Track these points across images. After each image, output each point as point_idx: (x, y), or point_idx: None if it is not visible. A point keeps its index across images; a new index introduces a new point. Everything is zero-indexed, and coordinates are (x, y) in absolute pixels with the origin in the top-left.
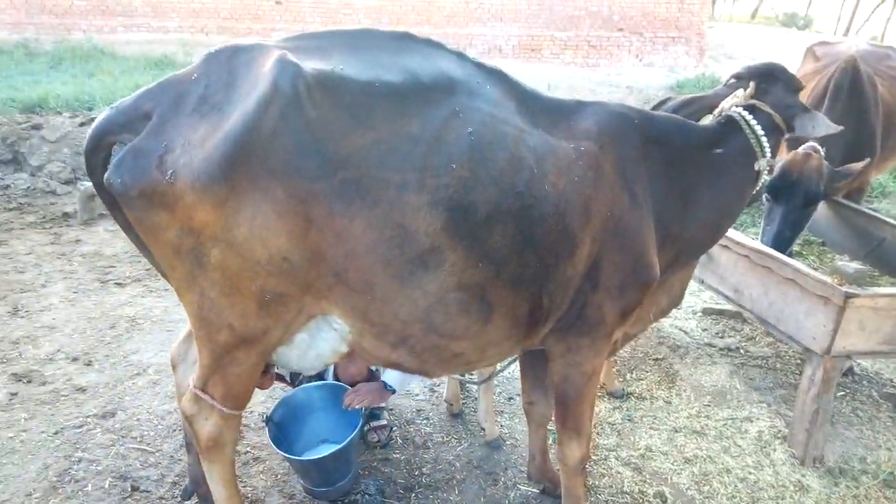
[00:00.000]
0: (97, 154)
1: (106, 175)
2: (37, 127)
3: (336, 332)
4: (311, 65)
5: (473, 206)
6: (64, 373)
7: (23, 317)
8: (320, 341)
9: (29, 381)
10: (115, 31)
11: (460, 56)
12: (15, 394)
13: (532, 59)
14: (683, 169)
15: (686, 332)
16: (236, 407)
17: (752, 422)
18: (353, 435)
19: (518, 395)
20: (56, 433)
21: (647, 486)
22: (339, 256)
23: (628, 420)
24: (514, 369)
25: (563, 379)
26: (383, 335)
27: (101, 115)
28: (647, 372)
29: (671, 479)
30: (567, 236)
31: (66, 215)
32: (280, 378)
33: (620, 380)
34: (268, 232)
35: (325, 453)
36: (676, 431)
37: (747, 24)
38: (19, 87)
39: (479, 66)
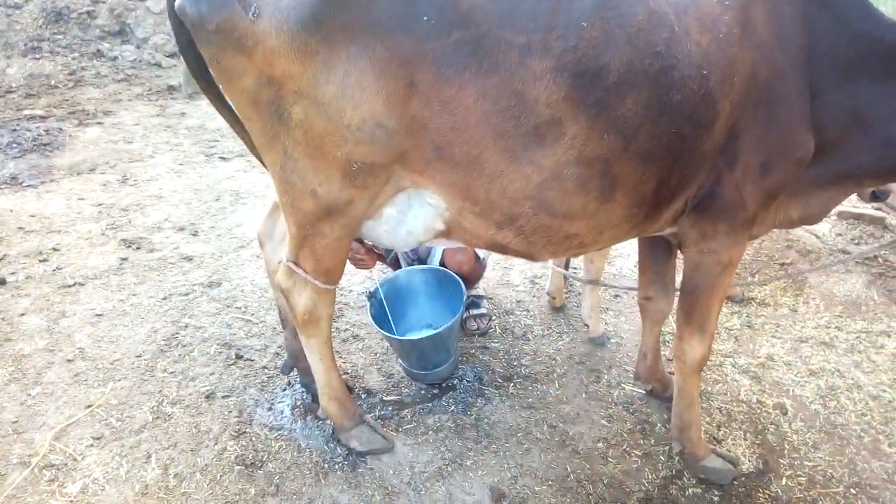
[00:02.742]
0: None
1: (179, 1)
2: None
3: (431, 208)
4: None
5: (604, 70)
6: (171, 241)
7: (132, 185)
8: (411, 217)
9: (138, 248)
10: None
11: None
12: (125, 259)
13: None
14: (858, 67)
15: (818, 237)
16: (329, 281)
17: (889, 336)
18: (452, 321)
19: (624, 293)
20: (164, 299)
21: (765, 396)
22: (443, 128)
23: (748, 326)
24: (622, 266)
25: (694, 268)
26: (487, 214)
27: None
28: (770, 276)
29: (793, 390)
30: (708, 103)
31: (171, 88)
32: (380, 257)
33: (741, 283)
34: (362, 93)
35: (424, 335)
36: (802, 341)
37: None
38: None
39: None
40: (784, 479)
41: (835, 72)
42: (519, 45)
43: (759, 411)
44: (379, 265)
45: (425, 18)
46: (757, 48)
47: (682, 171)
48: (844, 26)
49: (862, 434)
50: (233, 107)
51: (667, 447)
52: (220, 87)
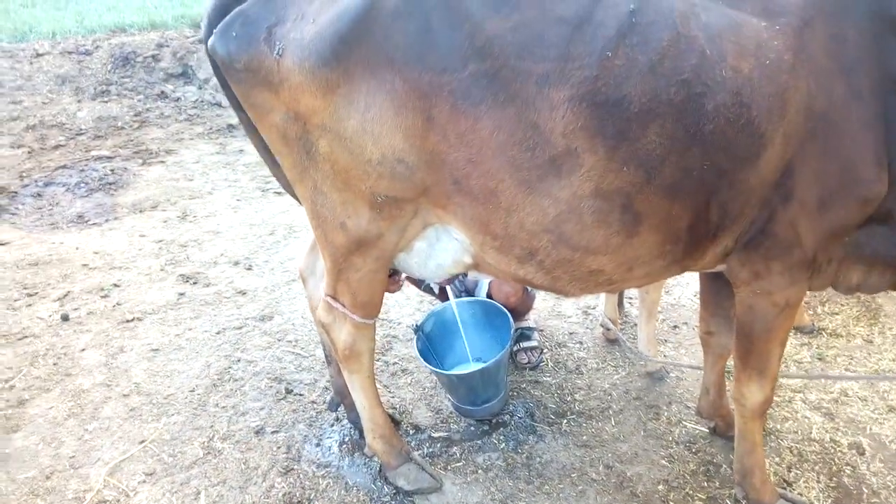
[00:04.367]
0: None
1: (210, 41)
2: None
3: (458, 243)
4: None
5: (623, 99)
6: (226, 276)
7: (191, 221)
8: (440, 251)
9: (195, 283)
10: None
11: None
12: (182, 294)
13: None
14: None
15: None
16: (367, 315)
17: None
18: (500, 354)
19: (684, 323)
20: (218, 333)
21: (840, 434)
22: (460, 161)
23: (818, 359)
24: (680, 295)
25: (747, 309)
26: (507, 248)
27: None
28: (843, 305)
29: (870, 428)
30: (749, 134)
31: (230, 126)
32: (416, 283)
33: (810, 313)
34: (382, 128)
35: (472, 369)
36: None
37: None
38: (188, 4)
39: None
40: None
41: None
42: (537, 75)
43: (833, 451)
44: (426, 297)
45: (441, 51)
46: (813, 76)
47: (725, 206)
48: None
49: None
50: (266, 142)
51: (732, 491)
52: (254, 123)
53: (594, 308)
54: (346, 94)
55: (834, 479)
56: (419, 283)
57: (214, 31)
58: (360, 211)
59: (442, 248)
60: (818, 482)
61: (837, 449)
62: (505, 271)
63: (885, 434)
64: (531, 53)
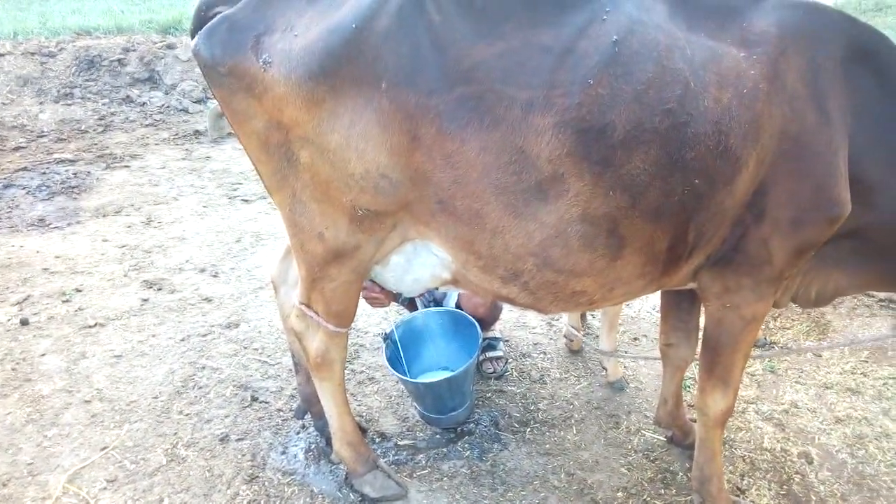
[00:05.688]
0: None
1: (195, 42)
2: (171, 47)
3: (437, 259)
4: None
5: (609, 127)
6: (192, 282)
7: (155, 227)
8: (418, 266)
9: (159, 289)
10: None
11: None
12: (146, 300)
13: None
14: None
15: None
16: (340, 324)
17: None
18: (468, 363)
19: (643, 335)
20: (182, 340)
21: (790, 444)
22: (445, 182)
23: (770, 371)
24: (640, 308)
25: (716, 322)
26: (491, 269)
27: None
28: (793, 321)
29: (819, 438)
30: (727, 159)
31: (197, 133)
32: (395, 297)
33: (763, 328)
34: (367, 144)
35: (439, 378)
36: (827, 388)
37: None
38: (156, 9)
39: None
40: None
41: (875, 132)
42: (522, 101)
43: (783, 460)
44: (395, 306)
45: (429, 74)
46: (787, 102)
47: (701, 227)
48: (886, 73)
49: (892, 485)
50: (244, 148)
51: (689, 498)
52: (234, 127)
53: (558, 319)
54: (331, 108)
55: (784, 486)
56: (396, 297)
57: (199, 32)
58: (339, 222)
59: (420, 263)
60: (769, 490)
61: (788, 458)
62: (487, 290)
63: (833, 444)
64: (516, 80)
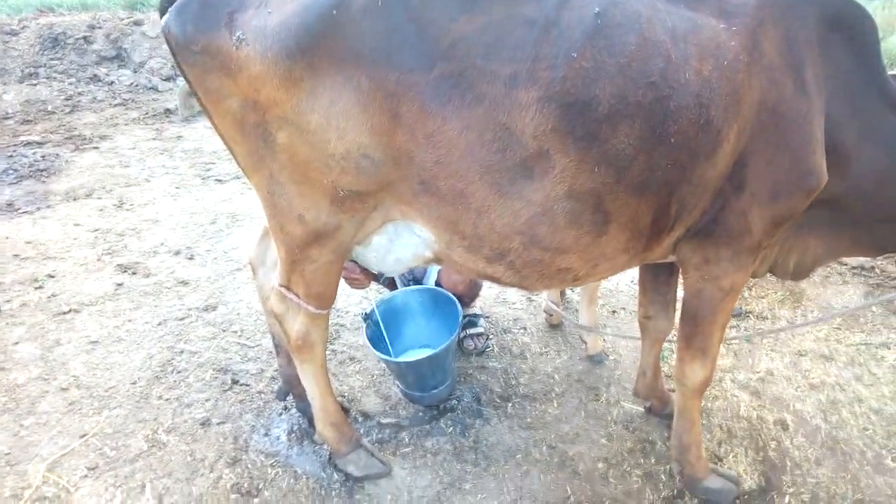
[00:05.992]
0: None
1: (165, 20)
2: (138, 23)
3: (419, 239)
4: None
5: (593, 101)
6: (167, 266)
7: (128, 210)
8: (400, 247)
9: (134, 273)
10: None
11: None
12: (120, 284)
13: None
14: (872, 100)
15: None
16: (321, 306)
17: (889, 348)
18: (448, 341)
19: (622, 308)
20: (159, 324)
21: (766, 411)
22: (427, 161)
23: (746, 341)
24: (619, 281)
25: (695, 294)
26: (477, 248)
27: None
28: (768, 290)
29: (794, 405)
30: (709, 131)
31: (167, 111)
32: (375, 277)
33: (739, 297)
34: (347, 124)
35: (420, 357)
36: (801, 355)
37: None
38: None
39: None
40: (787, 496)
41: (849, 101)
42: (504, 76)
43: (759, 427)
44: (375, 285)
45: (409, 51)
46: (765, 73)
47: (683, 200)
48: (857, 56)
49: (865, 449)
50: (218, 128)
51: (668, 466)
52: (206, 107)
53: (538, 295)
54: (310, 87)
55: (760, 453)
56: (376, 277)
57: (170, 9)
58: (320, 204)
59: (402, 243)
60: (746, 456)
61: (763, 425)
62: (472, 269)
63: (807, 411)
64: (498, 55)
